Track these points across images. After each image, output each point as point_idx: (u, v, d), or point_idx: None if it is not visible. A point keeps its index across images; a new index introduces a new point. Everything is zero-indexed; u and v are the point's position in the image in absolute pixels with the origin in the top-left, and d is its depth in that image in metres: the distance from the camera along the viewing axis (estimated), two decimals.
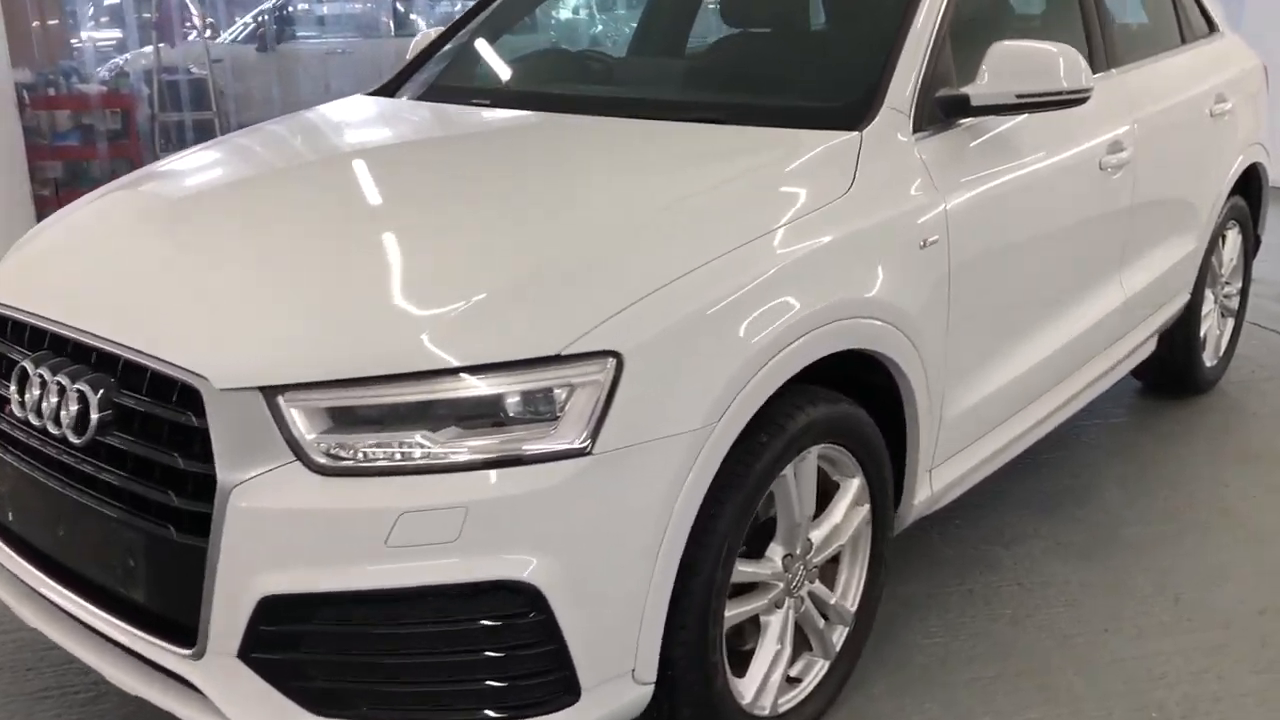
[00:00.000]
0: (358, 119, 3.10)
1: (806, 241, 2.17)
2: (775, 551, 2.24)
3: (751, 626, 2.28)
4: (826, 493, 2.37)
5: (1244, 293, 4.47)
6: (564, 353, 1.82)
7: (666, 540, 1.90)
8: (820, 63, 2.94)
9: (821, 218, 2.23)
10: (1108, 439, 3.94)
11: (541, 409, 1.83)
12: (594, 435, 1.82)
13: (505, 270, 1.96)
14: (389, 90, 3.24)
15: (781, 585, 2.26)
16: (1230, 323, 4.42)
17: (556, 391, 1.83)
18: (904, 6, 2.64)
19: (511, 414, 1.83)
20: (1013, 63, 2.55)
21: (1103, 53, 3.30)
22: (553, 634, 1.83)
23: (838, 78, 2.78)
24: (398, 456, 1.80)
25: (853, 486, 2.39)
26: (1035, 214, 2.81)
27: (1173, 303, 3.81)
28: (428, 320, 1.87)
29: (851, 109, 2.49)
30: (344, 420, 1.83)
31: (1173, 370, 4.15)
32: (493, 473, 1.79)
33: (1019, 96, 2.54)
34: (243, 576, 1.81)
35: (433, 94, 3.13)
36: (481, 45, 3.33)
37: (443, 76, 3.23)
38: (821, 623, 2.38)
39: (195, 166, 2.83)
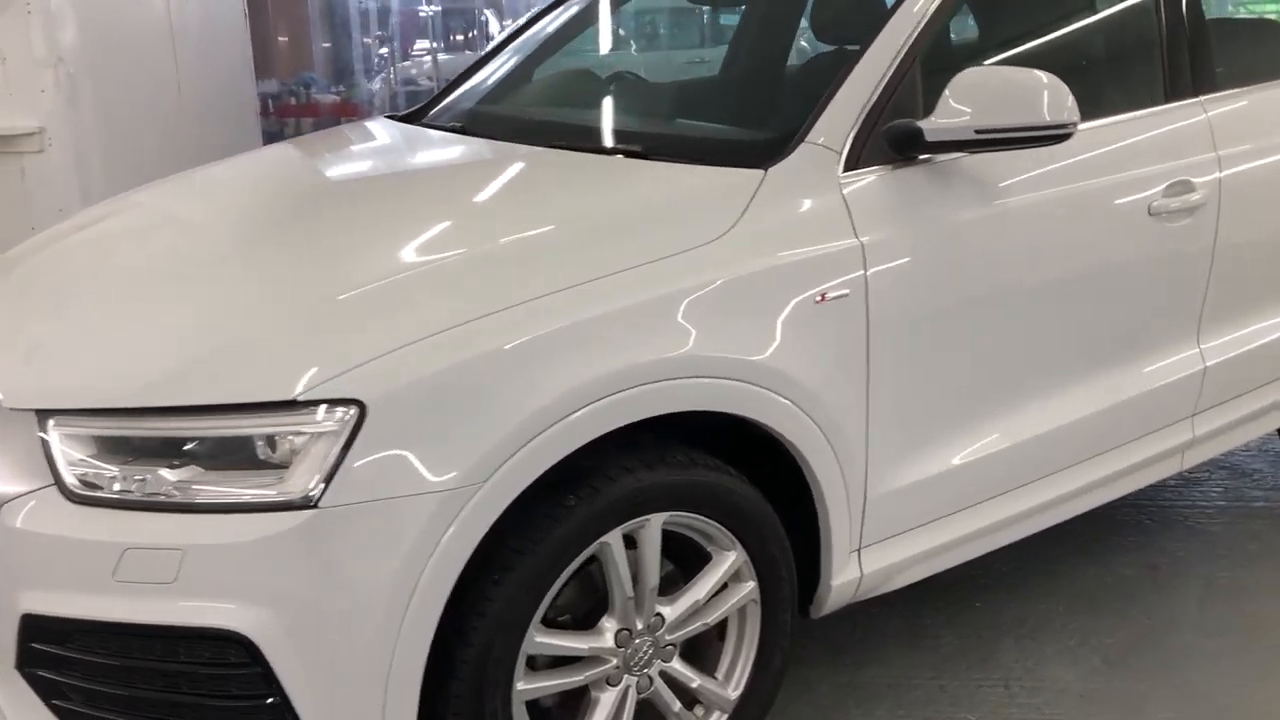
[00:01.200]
0: (321, 149, 3.09)
1: (639, 289, 1.97)
2: (608, 625, 2.07)
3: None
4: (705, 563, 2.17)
5: None
6: (300, 398, 1.76)
7: (415, 603, 1.79)
8: (769, 94, 2.69)
9: (677, 264, 2.03)
10: (1222, 526, 3.37)
11: (274, 455, 1.77)
12: (324, 487, 1.74)
13: (270, 311, 1.92)
14: (417, 115, 3.24)
15: (614, 661, 2.08)
16: None
17: (290, 438, 1.76)
18: (872, 31, 2.36)
19: (254, 457, 1.79)
20: (983, 92, 2.22)
21: (1187, 76, 2.81)
22: (274, 688, 1.77)
23: (777, 109, 2.54)
24: (138, 492, 1.80)
25: (726, 560, 2.16)
26: (1021, 266, 2.42)
27: None
28: (180, 357, 1.87)
29: (765, 144, 2.25)
30: (104, 450, 1.85)
31: None
32: (215, 517, 1.76)
33: (979, 131, 2.21)
34: (10, 591, 1.87)
35: (430, 119, 3.11)
36: (491, 70, 3.28)
37: (452, 100, 3.21)
38: (677, 705, 2.17)
39: (139, 198, 2.87)
